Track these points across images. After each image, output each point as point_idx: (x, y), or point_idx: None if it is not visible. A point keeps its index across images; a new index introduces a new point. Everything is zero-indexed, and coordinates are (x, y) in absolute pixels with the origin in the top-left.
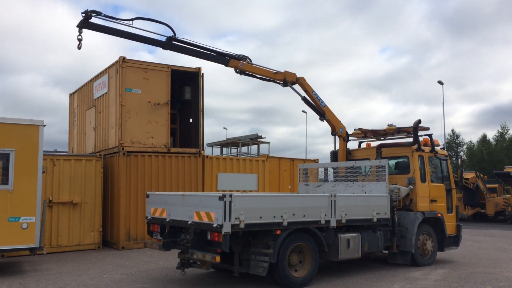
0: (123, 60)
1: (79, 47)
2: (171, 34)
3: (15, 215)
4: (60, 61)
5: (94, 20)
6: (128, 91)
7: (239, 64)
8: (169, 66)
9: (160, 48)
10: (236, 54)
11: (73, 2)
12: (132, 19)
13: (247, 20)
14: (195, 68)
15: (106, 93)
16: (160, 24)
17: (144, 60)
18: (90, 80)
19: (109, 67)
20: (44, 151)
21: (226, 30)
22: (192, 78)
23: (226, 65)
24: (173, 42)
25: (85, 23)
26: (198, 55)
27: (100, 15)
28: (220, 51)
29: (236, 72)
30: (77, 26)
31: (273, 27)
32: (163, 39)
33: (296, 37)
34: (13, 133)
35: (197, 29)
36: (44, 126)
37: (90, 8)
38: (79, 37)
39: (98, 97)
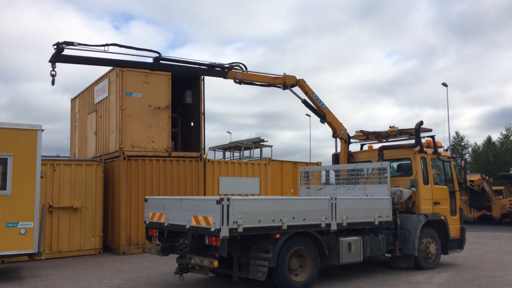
0: None
1: (52, 83)
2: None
3: (13, 220)
4: (70, 69)
5: (68, 52)
6: (128, 95)
7: (238, 74)
8: None
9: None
10: (227, 64)
11: (84, 11)
12: (107, 45)
13: (255, 27)
14: None
15: (106, 97)
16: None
17: None
18: (91, 85)
19: (110, 72)
20: (45, 156)
21: (234, 37)
22: (193, 82)
23: (225, 77)
24: (160, 62)
25: (57, 57)
26: (189, 71)
27: (73, 45)
28: (210, 63)
29: (236, 82)
30: (50, 61)
31: (281, 34)
32: (150, 60)
33: (304, 43)
34: (11, 138)
35: (205, 36)
36: (43, 130)
37: (61, 40)
38: (53, 73)
39: (98, 102)
